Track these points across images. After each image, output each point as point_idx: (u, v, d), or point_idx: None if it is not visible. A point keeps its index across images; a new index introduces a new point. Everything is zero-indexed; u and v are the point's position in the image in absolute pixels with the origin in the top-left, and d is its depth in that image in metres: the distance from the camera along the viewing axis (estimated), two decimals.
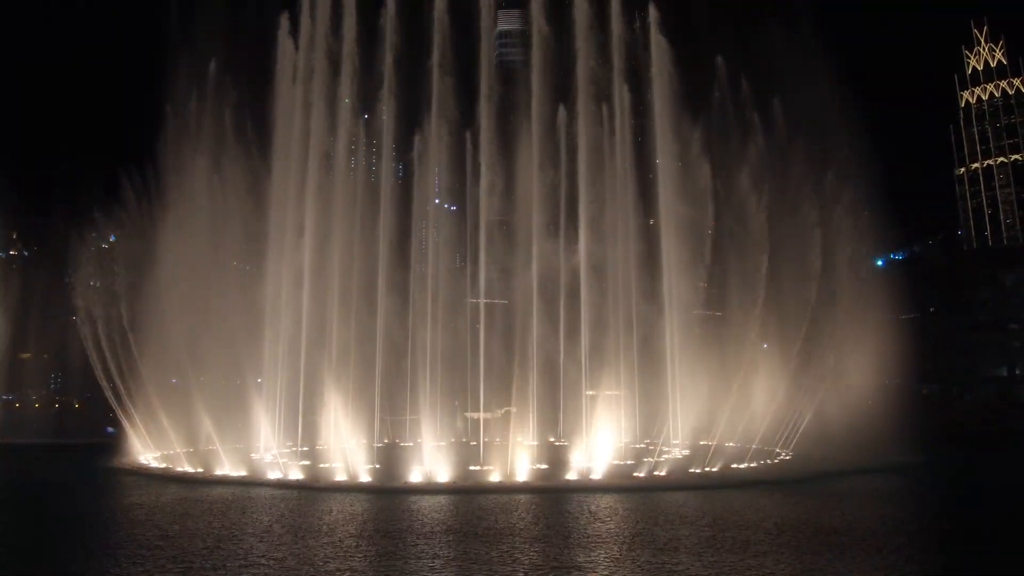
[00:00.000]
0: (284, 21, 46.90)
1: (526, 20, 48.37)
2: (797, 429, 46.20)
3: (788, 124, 47.26)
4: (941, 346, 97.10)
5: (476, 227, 46.20)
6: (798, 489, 35.92)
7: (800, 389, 44.35)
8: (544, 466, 41.26)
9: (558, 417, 51.25)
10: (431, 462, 39.48)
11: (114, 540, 24.60)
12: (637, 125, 48.30)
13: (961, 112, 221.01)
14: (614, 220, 46.70)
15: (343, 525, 27.03)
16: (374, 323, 44.57)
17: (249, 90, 47.83)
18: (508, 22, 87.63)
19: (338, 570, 20.03)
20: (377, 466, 40.92)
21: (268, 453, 42.72)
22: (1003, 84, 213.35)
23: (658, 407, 45.88)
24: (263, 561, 20.99)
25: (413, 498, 33.72)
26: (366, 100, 47.40)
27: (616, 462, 41.16)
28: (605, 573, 19.60)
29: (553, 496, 34.03)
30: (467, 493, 35.00)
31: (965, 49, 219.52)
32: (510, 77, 49.30)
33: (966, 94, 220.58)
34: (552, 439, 51.86)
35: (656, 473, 39.25)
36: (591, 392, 43.88)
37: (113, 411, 50.45)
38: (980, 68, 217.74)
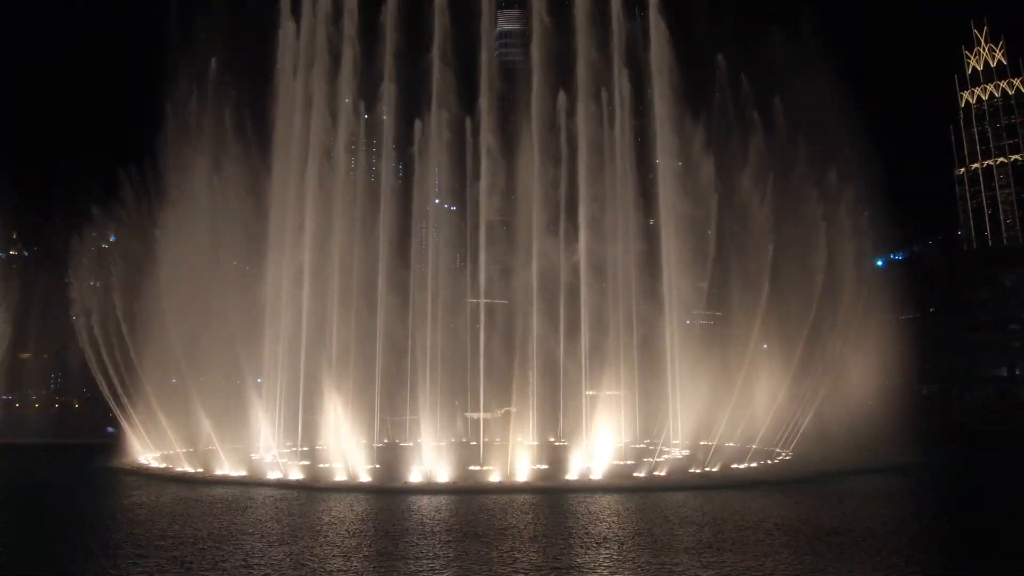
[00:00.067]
0: (286, 19, 46.96)
1: (526, 20, 48.40)
2: (797, 429, 46.19)
3: (788, 124, 47.25)
4: (941, 346, 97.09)
5: (476, 226, 46.20)
6: (798, 489, 35.91)
7: (800, 389, 44.31)
8: (544, 466, 41.24)
9: (558, 417, 51.25)
10: (431, 462, 39.47)
11: (114, 540, 24.58)
12: (637, 124, 48.25)
13: (961, 112, 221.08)
14: (614, 218, 46.66)
15: (343, 525, 27.02)
16: (374, 323, 44.56)
17: (249, 89, 47.82)
18: (508, 22, 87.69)
19: (338, 570, 20.02)
20: (377, 466, 40.91)
21: (268, 453, 42.70)
22: (1003, 84, 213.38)
23: (658, 407, 45.86)
24: (263, 561, 20.98)
25: (413, 498, 33.72)
26: (367, 96, 47.44)
27: (616, 462, 41.14)
28: (605, 573, 19.58)
29: (553, 496, 34.01)
30: (467, 493, 34.98)
31: (965, 49, 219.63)
32: (510, 77, 49.32)
33: (966, 94, 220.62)
34: (552, 439, 51.85)
35: (656, 473, 39.24)
36: (591, 392, 43.86)
37: (113, 411, 50.42)
38: (980, 68, 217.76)
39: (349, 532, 25.62)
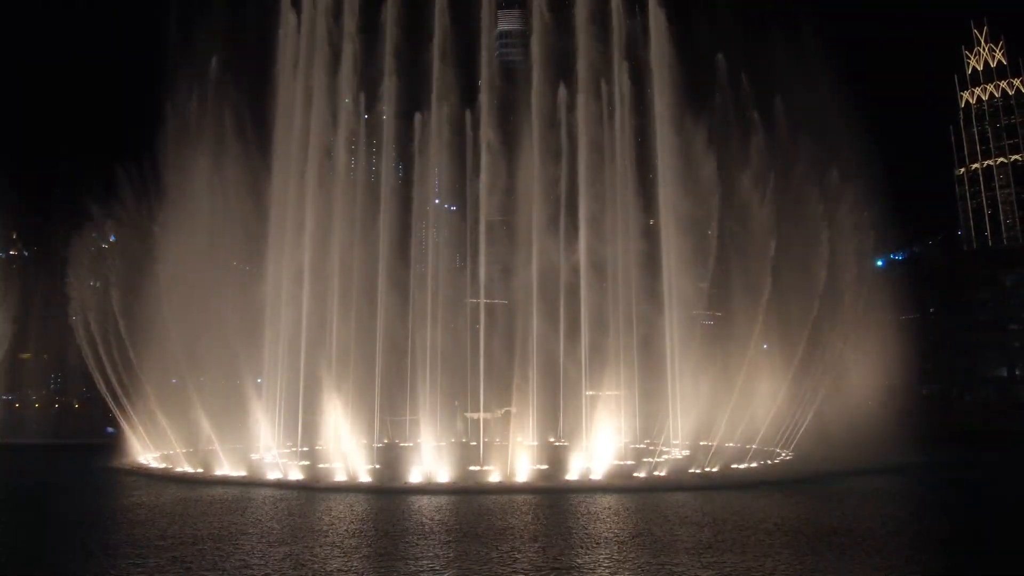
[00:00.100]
0: (287, 11, 47.04)
1: (526, 19, 48.40)
2: (798, 429, 46.18)
3: (788, 124, 47.24)
4: (941, 346, 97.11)
5: (476, 221, 46.20)
6: (799, 489, 35.90)
7: (801, 389, 44.29)
8: (544, 466, 41.22)
9: (558, 417, 51.23)
10: (431, 462, 39.44)
11: (114, 540, 24.58)
12: (638, 124, 48.22)
13: (961, 112, 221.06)
14: (614, 217, 46.64)
15: (343, 525, 27.01)
16: (374, 322, 44.55)
17: (249, 88, 47.82)
18: (508, 22, 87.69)
19: (338, 570, 20.00)
20: (377, 466, 40.89)
21: (268, 453, 42.68)
22: (1003, 84, 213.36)
23: (658, 407, 45.84)
24: (263, 562, 20.97)
25: (413, 498, 33.70)
26: (367, 92, 47.44)
27: (616, 462, 41.11)
28: (605, 574, 19.57)
29: (553, 496, 34.00)
30: (467, 493, 34.97)
31: (965, 49, 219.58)
32: (511, 77, 49.33)
33: (966, 94, 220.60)
34: (552, 439, 51.84)
35: (656, 473, 39.22)
36: (591, 392, 43.83)
37: (113, 411, 50.38)
38: (980, 68, 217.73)
39: (349, 532, 25.61)
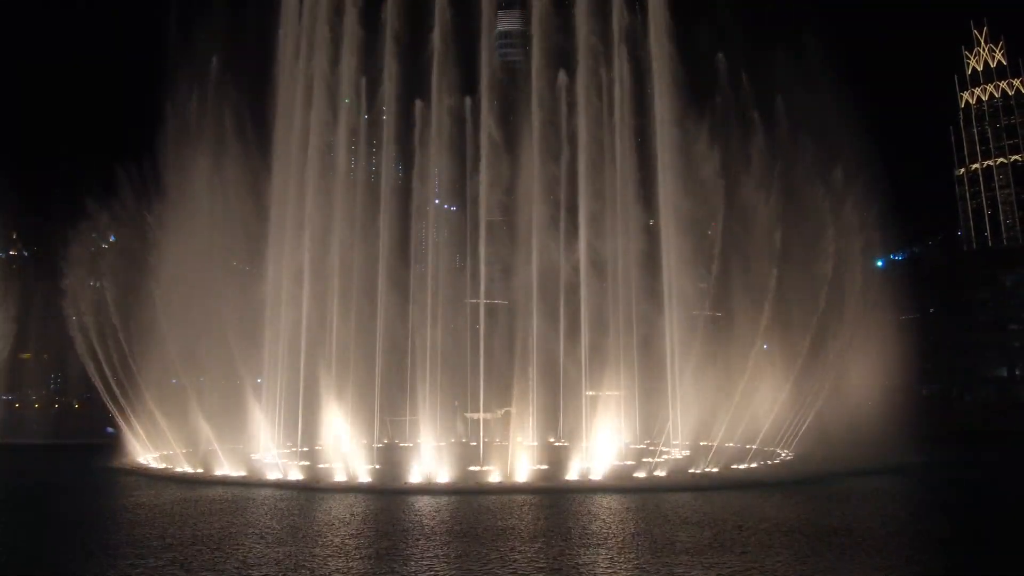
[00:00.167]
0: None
1: (526, 20, 48.40)
2: (798, 429, 46.17)
3: (788, 124, 47.24)
4: (941, 346, 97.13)
5: (476, 222, 46.19)
6: (799, 490, 35.88)
7: (801, 389, 44.29)
8: (544, 467, 41.21)
9: (558, 417, 51.22)
10: (431, 463, 39.44)
11: (113, 540, 24.58)
12: (638, 124, 48.23)
13: (961, 113, 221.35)
14: (615, 210, 46.65)
15: (343, 525, 27.01)
16: (374, 322, 44.55)
17: (249, 88, 47.83)
18: (508, 23, 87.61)
19: (338, 570, 20.00)
20: (377, 466, 40.88)
21: (268, 454, 42.68)
22: (1003, 85, 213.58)
23: (658, 407, 45.84)
24: (262, 562, 20.95)
25: (413, 498, 33.70)
26: (368, 89, 47.45)
27: (616, 463, 41.12)
28: (605, 574, 19.56)
29: (553, 496, 33.98)
30: (467, 494, 34.96)
31: (965, 50, 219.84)
32: (511, 76, 49.34)
33: (966, 95, 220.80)
34: (552, 440, 51.83)
35: (656, 474, 39.21)
36: (591, 392, 43.83)
37: (112, 411, 50.37)
38: (980, 69, 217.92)
39: (349, 532, 25.61)
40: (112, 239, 53.80)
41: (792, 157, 46.08)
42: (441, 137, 45.82)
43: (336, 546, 23.15)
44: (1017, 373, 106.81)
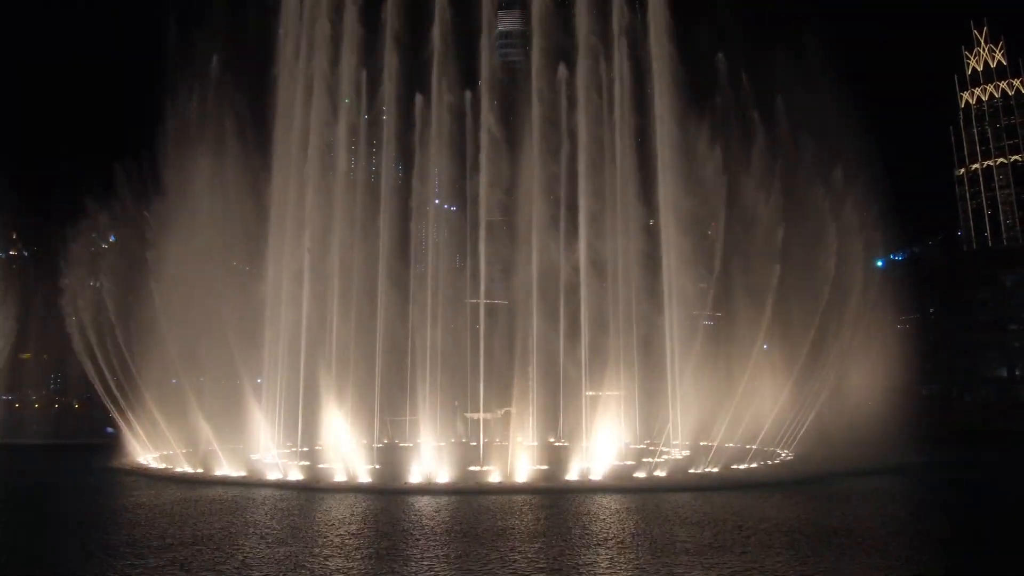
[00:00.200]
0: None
1: (526, 20, 48.42)
2: (798, 430, 46.15)
3: (788, 124, 47.24)
4: (941, 346, 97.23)
5: (476, 221, 46.18)
6: (799, 490, 35.87)
7: (802, 390, 44.29)
8: (544, 467, 41.20)
9: (558, 418, 51.19)
10: (431, 463, 39.43)
11: (113, 541, 24.54)
12: (638, 124, 48.21)
13: (961, 113, 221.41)
14: (615, 209, 46.63)
15: (343, 525, 26.99)
16: (374, 322, 44.54)
17: (249, 88, 47.79)
18: (508, 23, 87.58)
19: (338, 570, 19.98)
20: (377, 466, 40.86)
21: (268, 454, 42.65)
22: (1003, 85, 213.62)
23: (659, 407, 45.82)
24: (262, 562, 20.94)
25: (413, 499, 33.68)
26: (368, 88, 47.44)
27: (616, 463, 41.11)
28: (605, 574, 19.55)
29: (553, 497, 33.96)
30: (467, 494, 34.94)
31: (965, 50, 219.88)
32: (511, 75, 49.35)
33: (966, 95, 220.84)
34: (552, 440, 51.80)
35: (656, 474, 39.19)
36: (591, 392, 43.81)
37: (112, 412, 50.36)
38: (980, 69, 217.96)
39: (349, 532, 25.59)
40: (112, 239, 53.77)
41: (792, 157, 46.07)
42: (441, 136, 45.81)
43: (336, 546, 23.13)
44: (1017, 373, 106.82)
